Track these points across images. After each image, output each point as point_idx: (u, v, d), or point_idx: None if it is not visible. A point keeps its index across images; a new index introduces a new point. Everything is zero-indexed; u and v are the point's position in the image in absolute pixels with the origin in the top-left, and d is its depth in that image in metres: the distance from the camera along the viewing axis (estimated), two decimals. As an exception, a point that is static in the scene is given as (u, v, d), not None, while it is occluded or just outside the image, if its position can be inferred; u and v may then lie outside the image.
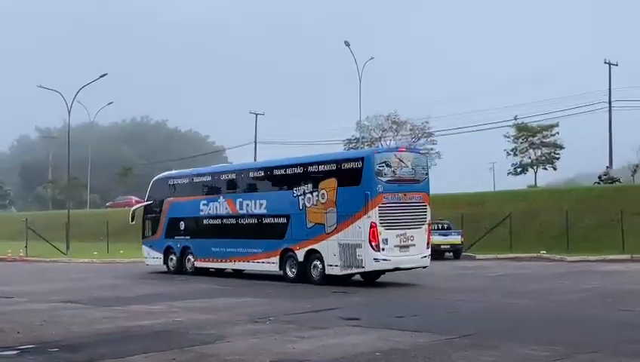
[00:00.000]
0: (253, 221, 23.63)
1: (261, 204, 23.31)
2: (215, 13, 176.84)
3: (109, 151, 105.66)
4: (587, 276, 23.28)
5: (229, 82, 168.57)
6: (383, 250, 19.93)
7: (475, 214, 39.26)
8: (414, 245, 20.51)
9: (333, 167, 21.15)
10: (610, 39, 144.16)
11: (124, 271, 28.50)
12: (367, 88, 57.51)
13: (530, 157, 59.78)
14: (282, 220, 22.45)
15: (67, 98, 47.44)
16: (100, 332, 12.35)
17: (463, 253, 34.50)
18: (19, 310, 15.79)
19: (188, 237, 26.32)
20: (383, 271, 21.23)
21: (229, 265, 24.99)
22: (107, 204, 71.90)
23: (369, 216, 19.83)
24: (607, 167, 48.33)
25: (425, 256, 20.94)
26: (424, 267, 21.30)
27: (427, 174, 21.30)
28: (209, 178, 26.26)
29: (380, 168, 20.12)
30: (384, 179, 20.09)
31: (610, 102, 53.76)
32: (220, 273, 25.64)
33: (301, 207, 21.76)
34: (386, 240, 19.96)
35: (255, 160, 59.53)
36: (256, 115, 67.58)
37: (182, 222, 26.60)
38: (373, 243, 19.79)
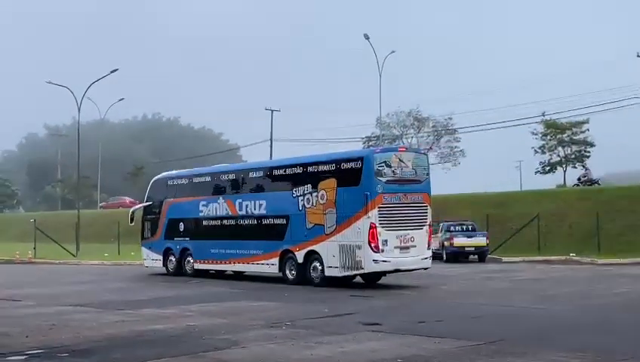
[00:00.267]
0: (253, 222, 24.05)
1: (260, 205, 23.73)
2: (229, 6, 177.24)
3: (120, 149, 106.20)
4: (618, 280, 23.12)
5: (243, 78, 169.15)
6: (383, 251, 20.26)
7: (501, 215, 39.09)
8: (415, 246, 20.83)
9: (333, 167, 21.52)
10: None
11: (136, 273, 28.65)
12: (387, 83, 57.34)
13: (559, 155, 59.39)
14: (282, 221, 22.86)
15: (77, 94, 47.85)
16: (112, 337, 12.41)
17: (489, 256, 34.37)
18: (27, 314, 15.90)
19: (187, 239, 26.76)
20: (384, 273, 21.67)
21: (228, 267, 25.47)
22: (100, 205, 72.75)
23: (368, 217, 20.18)
24: (587, 169, 48.24)
25: (426, 258, 21.30)
26: (425, 268, 21.66)
27: (428, 174, 21.67)
28: (208, 178, 26.69)
29: (380, 168, 20.45)
30: (384, 179, 20.45)
31: (643, 98, 53.25)
32: (220, 275, 26.04)
33: (301, 208, 22.13)
34: (386, 241, 20.30)
35: (270, 158, 59.60)
36: (272, 111, 67.63)
37: (181, 223, 27.05)
38: (373, 245, 20.13)
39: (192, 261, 26.52)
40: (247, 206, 24.20)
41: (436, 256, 35.00)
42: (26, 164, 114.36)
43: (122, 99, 70.60)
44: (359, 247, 20.33)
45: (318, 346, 11.18)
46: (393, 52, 53.63)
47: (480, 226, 35.68)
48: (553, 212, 38.42)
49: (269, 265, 23.22)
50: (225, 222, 25.15)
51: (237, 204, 24.64)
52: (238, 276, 25.79)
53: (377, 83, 52.34)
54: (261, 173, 24.62)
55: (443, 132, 65.03)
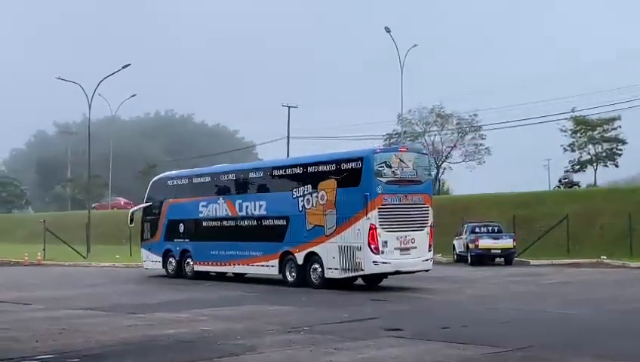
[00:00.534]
0: (253, 223, 24.50)
1: (260, 206, 24.16)
2: (244, 6, 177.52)
3: (132, 147, 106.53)
4: (653, 284, 22.99)
5: (259, 74, 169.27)
6: (383, 252, 20.64)
7: (528, 216, 38.96)
8: (415, 248, 21.20)
9: (333, 167, 21.92)
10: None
11: (147, 275, 28.78)
12: (409, 79, 57.16)
13: (589, 153, 58.96)
14: (282, 222, 23.29)
15: (87, 91, 48.06)
16: (124, 342, 12.48)
17: (516, 258, 34.25)
18: (37, 317, 16.02)
19: (187, 240, 27.17)
20: (385, 275, 22.06)
21: (228, 269, 25.93)
22: (93, 205, 73.41)
23: (368, 218, 20.55)
24: (567, 171, 47.97)
25: (427, 260, 21.67)
26: (426, 271, 22.00)
27: (429, 175, 22.27)
28: (208, 179, 27.08)
29: (380, 168, 20.81)
30: (384, 179, 20.81)
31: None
32: (221, 277, 26.37)
33: (300, 209, 22.54)
34: (386, 242, 20.67)
35: (287, 156, 59.69)
36: (289, 107, 67.63)
37: (181, 224, 27.45)
38: (373, 246, 20.52)
39: (191, 263, 26.93)
40: (247, 207, 24.68)
41: (461, 259, 35.13)
42: (34, 162, 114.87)
43: (134, 95, 71.16)
44: (359, 249, 20.73)
45: (337, 352, 11.18)
46: (415, 45, 53.50)
47: (506, 227, 35.56)
48: (583, 212, 38.20)
49: (269, 267, 23.69)
50: (225, 223, 25.65)
51: (237, 204, 25.10)
52: (239, 278, 26.09)
53: (399, 78, 52.25)
54: (261, 174, 25.08)
55: (467, 129, 64.76)
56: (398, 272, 21.53)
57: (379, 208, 20.58)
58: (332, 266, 21.51)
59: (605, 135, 58.13)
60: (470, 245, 33.97)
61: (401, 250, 20.96)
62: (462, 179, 69.07)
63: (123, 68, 48.25)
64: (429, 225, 21.64)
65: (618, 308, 17.05)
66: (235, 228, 25.15)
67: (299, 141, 70.46)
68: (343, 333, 13.01)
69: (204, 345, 12.03)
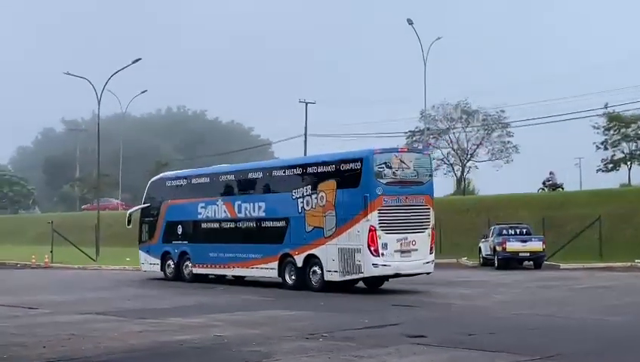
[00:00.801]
0: (252, 225, 24.82)
1: (260, 207, 24.46)
2: (262, 6, 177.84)
3: (143, 144, 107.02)
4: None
5: (276, 69, 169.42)
6: (383, 255, 20.87)
7: (558, 217, 38.74)
8: (416, 250, 21.43)
9: (332, 168, 22.21)
10: None
11: (159, 279, 28.87)
12: (433, 73, 57.11)
13: (623, 152, 58.51)
14: (281, 224, 23.59)
15: (97, 87, 48.33)
16: (135, 349, 12.49)
17: (545, 262, 34.06)
18: (44, 322, 16.10)
19: (186, 242, 27.46)
20: (386, 278, 22.24)
21: (227, 272, 26.27)
22: (82, 207, 74.07)
23: (368, 220, 20.79)
24: (551, 173, 47.65)
25: (428, 262, 21.87)
26: (427, 273, 22.22)
27: (431, 176, 22.52)
28: (207, 179, 27.36)
29: (380, 169, 21.04)
30: (384, 180, 21.06)
31: None
32: (221, 280, 26.54)
33: (300, 210, 22.80)
34: (386, 244, 20.90)
35: (305, 154, 59.69)
36: (307, 103, 67.57)
37: (179, 226, 27.73)
38: (372, 248, 20.77)
39: (190, 265, 27.17)
40: (246, 208, 24.98)
41: (487, 262, 34.98)
42: (42, 161, 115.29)
43: (145, 91, 71.39)
44: (359, 251, 20.95)
45: (357, 360, 11.16)
46: (439, 38, 53.39)
47: (535, 229, 35.37)
48: (617, 214, 37.93)
49: (269, 270, 23.96)
50: (224, 224, 25.95)
51: (236, 206, 25.38)
52: (240, 281, 26.26)
53: (422, 72, 52.15)
54: (260, 174, 25.27)
55: (494, 126, 64.44)
56: (398, 275, 21.75)
57: (379, 210, 20.84)
58: (332, 269, 21.79)
59: (640, 132, 57.72)
60: (497, 248, 33.78)
61: (402, 252, 21.19)
62: (488, 179, 69.01)
63: (133, 62, 48.53)
64: (430, 226, 21.88)
65: (654, 314, 16.90)
66: (234, 230, 25.49)
67: (317, 139, 70.46)
68: (364, 340, 12.98)
69: (218, 352, 12.03)
